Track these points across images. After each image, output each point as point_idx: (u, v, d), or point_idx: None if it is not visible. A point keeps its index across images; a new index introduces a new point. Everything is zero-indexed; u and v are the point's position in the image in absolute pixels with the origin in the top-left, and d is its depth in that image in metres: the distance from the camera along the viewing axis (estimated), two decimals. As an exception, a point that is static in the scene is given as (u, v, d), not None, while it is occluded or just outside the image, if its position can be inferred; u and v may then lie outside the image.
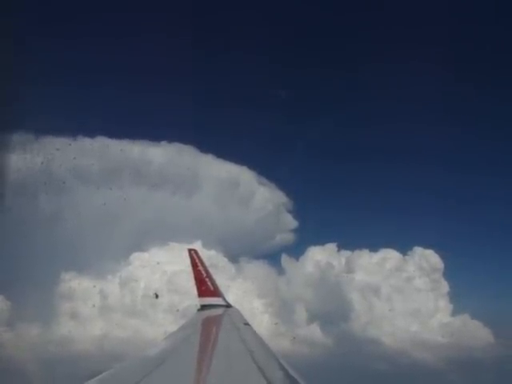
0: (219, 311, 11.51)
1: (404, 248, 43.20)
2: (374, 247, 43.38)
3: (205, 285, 12.95)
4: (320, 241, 44.36)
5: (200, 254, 13.82)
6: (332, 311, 42.33)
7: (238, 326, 8.34)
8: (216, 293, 12.83)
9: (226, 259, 31.27)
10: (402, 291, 43.09)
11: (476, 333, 41.20)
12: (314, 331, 39.11)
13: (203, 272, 13.27)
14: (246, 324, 8.56)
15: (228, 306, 12.34)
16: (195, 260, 13.46)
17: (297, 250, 45.12)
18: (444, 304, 42.75)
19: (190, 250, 13.69)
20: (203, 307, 12.26)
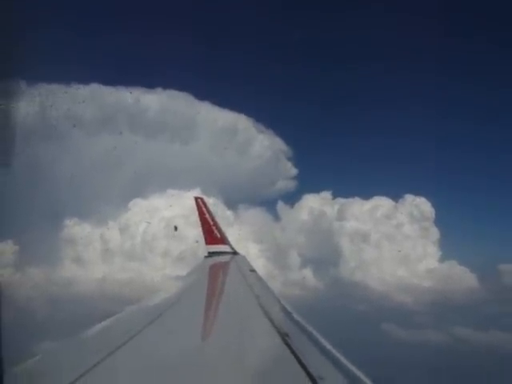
0: (226, 258, 11.76)
1: (398, 195, 43.55)
2: (369, 194, 43.81)
3: (212, 232, 13.13)
4: (319, 188, 44.86)
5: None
6: (324, 257, 43.50)
7: (244, 272, 8.54)
8: (223, 240, 13.02)
9: (224, 206, 31.63)
10: (392, 238, 43.87)
11: (462, 278, 42.43)
12: (307, 275, 40.48)
13: (210, 220, 13.40)
14: (253, 270, 8.76)
15: (235, 253, 12.56)
16: (202, 208, 13.54)
17: (297, 197, 45.73)
18: (433, 250, 43.60)
19: (196, 198, 13.74)
20: (210, 254, 12.50)
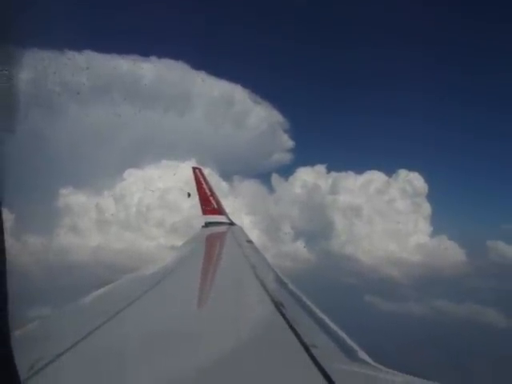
0: (223, 228, 11.83)
1: (391, 170, 43.54)
2: (364, 168, 43.73)
3: (209, 203, 13.16)
4: (316, 161, 44.89)
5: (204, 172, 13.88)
6: (316, 230, 43.88)
7: (241, 243, 8.61)
8: (220, 211, 13.07)
9: (219, 177, 31.49)
10: (384, 212, 44.18)
11: (450, 253, 43.06)
12: (299, 247, 41.00)
13: (207, 190, 13.41)
14: (249, 241, 8.83)
15: (232, 223, 12.62)
16: (199, 178, 13.52)
17: (293, 169, 45.76)
18: (424, 225, 43.89)
19: (194, 169, 13.69)
20: (207, 224, 12.56)
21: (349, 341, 2.85)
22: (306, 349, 2.42)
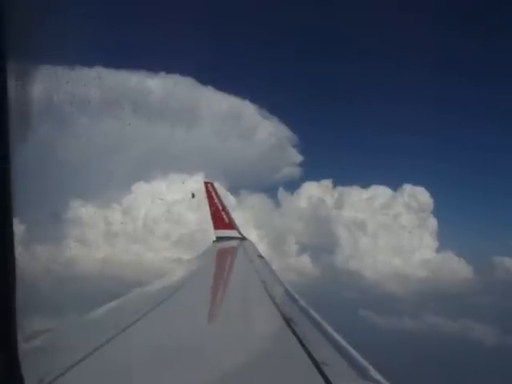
0: (234, 243, 11.80)
1: (397, 184, 43.12)
2: (369, 183, 43.42)
3: (220, 217, 13.12)
4: (324, 175, 44.86)
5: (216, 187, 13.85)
6: (321, 244, 43.49)
7: (251, 258, 8.58)
8: (231, 225, 13.01)
9: (227, 192, 31.54)
10: (389, 227, 43.61)
11: (457, 269, 41.98)
12: (304, 262, 40.64)
13: (219, 205, 13.35)
14: (260, 256, 8.79)
15: (243, 238, 12.57)
16: (211, 193, 13.46)
17: (301, 183, 45.76)
18: (430, 241, 42.99)
19: (206, 183, 13.63)
20: (219, 239, 12.53)
21: (360, 359, 2.79)
22: (317, 366, 2.37)
